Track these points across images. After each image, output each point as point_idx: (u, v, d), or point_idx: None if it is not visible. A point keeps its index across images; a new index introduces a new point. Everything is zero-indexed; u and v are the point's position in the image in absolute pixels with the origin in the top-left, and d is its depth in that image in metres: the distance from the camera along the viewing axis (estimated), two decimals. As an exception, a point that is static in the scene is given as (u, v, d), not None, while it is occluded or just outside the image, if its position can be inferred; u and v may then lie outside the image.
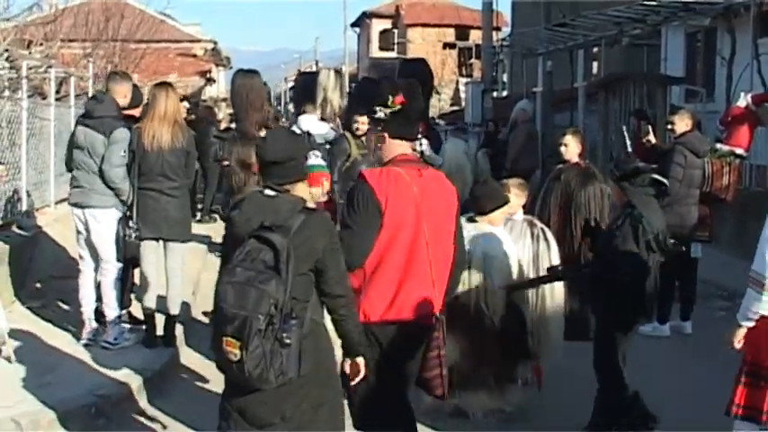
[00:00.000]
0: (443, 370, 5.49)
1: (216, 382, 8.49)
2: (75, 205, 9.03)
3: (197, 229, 13.77)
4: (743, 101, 13.30)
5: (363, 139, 11.65)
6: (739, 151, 12.56)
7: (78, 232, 9.14)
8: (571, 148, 10.01)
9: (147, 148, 8.79)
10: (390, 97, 5.48)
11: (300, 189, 4.88)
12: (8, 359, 8.37)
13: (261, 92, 9.30)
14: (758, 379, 5.76)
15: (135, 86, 10.52)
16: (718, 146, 12.12)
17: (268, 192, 4.80)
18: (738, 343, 5.80)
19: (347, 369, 5.15)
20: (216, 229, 17.18)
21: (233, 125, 18.46)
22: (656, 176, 7.40)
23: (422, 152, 13.55)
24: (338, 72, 23.17)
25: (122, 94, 9.35)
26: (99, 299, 9.19)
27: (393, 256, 5.35)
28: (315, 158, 7.91)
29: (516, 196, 8.56)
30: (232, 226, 4.83)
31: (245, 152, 8.22)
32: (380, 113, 5.50)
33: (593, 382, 7.31)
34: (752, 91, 15.04)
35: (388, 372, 5.50)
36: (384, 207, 5.31)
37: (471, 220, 7.93)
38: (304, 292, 4.68)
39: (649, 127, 13.16)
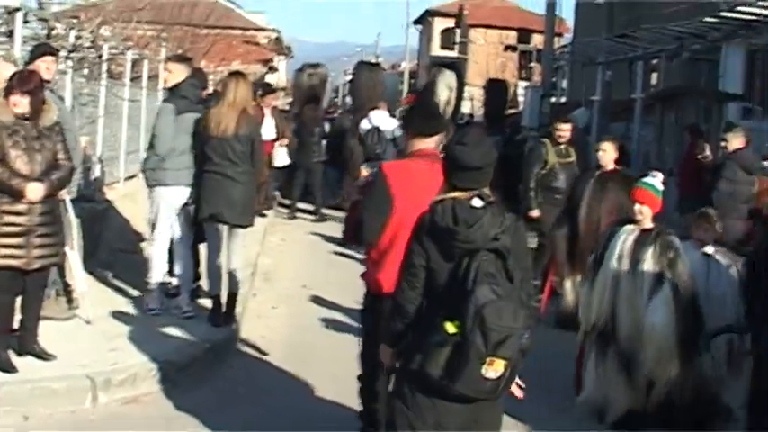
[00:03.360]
0: None
1: (273, 354, 9.10)
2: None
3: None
4: (793, 121, 13.60)
5: (563, 146, 12.42)
6: (787, 170, 12.88)
7: (156, 208, 9.60)
8: (609, 154, 10.42)
9: (212, 133, 9.22)
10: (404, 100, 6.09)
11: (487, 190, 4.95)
12: (87, 321, 8.96)
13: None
14: None
15: (199, 69, 11.19)
16: (766, 164, 12.43)
17: (476, 202, 4.79)
18: None
19: None
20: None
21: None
22: None
23: None
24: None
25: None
26: (169, 271, 9.76)
27: (403, 236, 5.70)
28: (652, 178, 7.96)
29: None
30: (465, 242, 4.67)
31: None
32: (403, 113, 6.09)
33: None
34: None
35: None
36: (394, 193, 5.94)
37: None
38: None
39: (706, 144, 13.52)
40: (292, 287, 12.44)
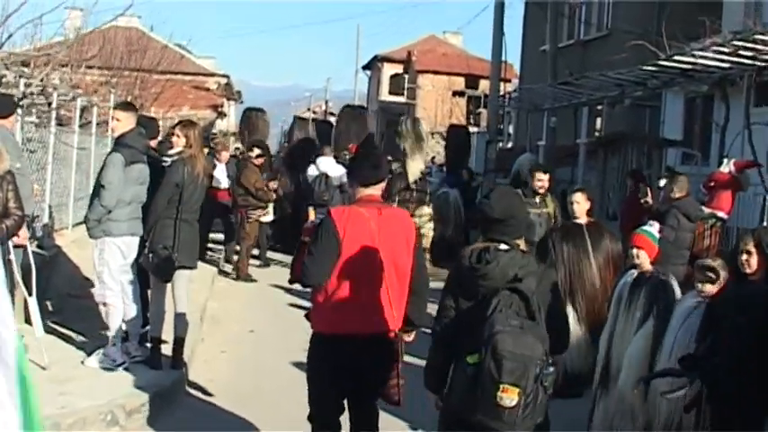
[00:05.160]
0: (400, 380, 6.34)
1: (221, 398, 9.23)
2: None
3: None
4: (726, 167, 13.99)
5: (538, 198, 12.15)
6: (721, 214, 13.30)
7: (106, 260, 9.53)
8: (582, 206, 10.42)
9: (187, 181, 9.41)
10: (348, 148, 6.37)
11: (522, 244, 5.36)
12: (43, 367, 9.03)
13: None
14: None
15: (152, 118, 11.29)
16: (701, 208, 12.79)
17: (503, 246, 5.18)
18: None
19: None
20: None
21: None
22: None
23: None
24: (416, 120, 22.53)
25: None
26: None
27: (351, 279, 6.18)
28: (649, 226, 8.42)
29: None
30: (485, 278, 5.04)
31: None
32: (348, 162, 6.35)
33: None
34: (743, 158, 15.75)
35: (345, 378, 6.33)
36: (342, 237, 6.13)
37: None
38: None
39: (648, 189, 13.85)
40: (240, 331, 12.60)
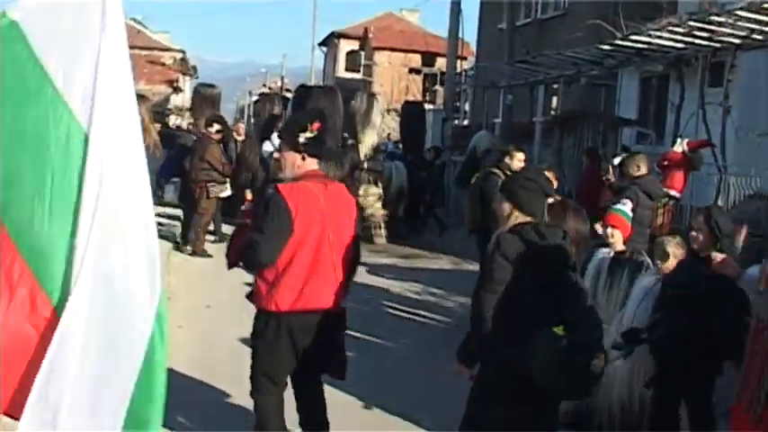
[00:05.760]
0: (344, 355, 6.54)
1: (180, 373, 9.22)
2: None
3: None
4: (679, 146, 14.18)
5: None
6: (674, 193, 13.47)
7: None
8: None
9: None
10: (309, 125, 6.38)
11: None
12: None
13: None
14: None
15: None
16: (661, 187, 12.91)
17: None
18: None
19: None
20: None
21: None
22: None
23: None
24: (373, 95, 22.40)
25: None
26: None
27: (301, 256, 6.22)
28: (622, 205, 8.73)
29: None
30: (559, 255, 5.28)
31: None
32: (302, 138, 6.36)
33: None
34: (697, 138, 15.95)
35: (296, 355, 6.39)
36: (294, 214, 6.16)
37: None
38: None
39: (609, 166, 14.00)
40: (197, 306, 12.59)
